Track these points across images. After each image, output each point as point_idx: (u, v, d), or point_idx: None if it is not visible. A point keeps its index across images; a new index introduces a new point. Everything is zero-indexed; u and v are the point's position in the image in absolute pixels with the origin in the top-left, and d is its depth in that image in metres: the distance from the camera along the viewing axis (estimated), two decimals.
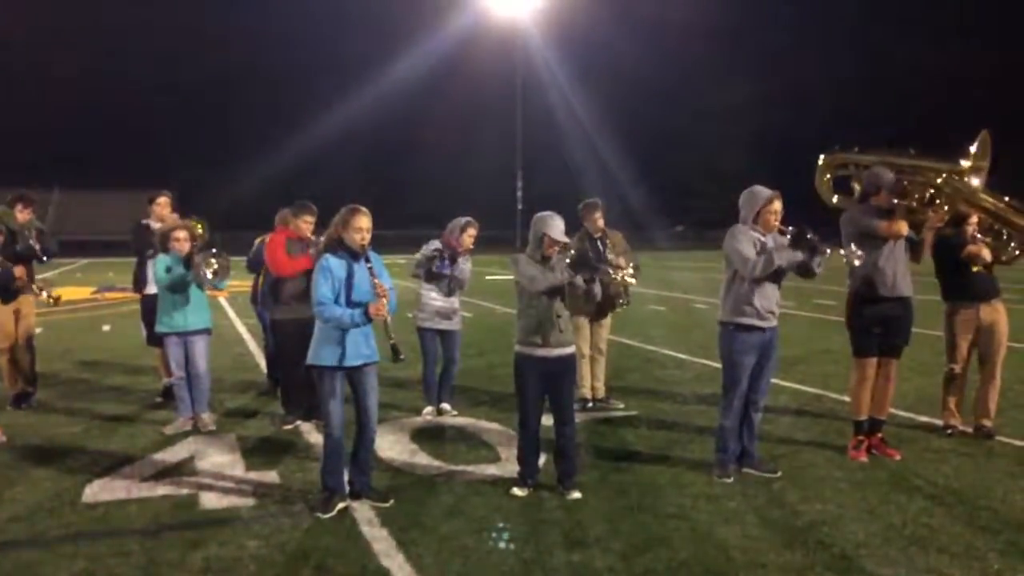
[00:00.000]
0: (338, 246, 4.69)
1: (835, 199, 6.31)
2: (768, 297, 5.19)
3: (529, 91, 54.49)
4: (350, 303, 4.63)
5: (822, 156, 6.37)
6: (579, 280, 4.90)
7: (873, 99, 60.98)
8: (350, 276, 4.65)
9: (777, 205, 5.16)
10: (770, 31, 67.58)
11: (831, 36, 64.12)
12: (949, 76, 59.29)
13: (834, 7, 65.11)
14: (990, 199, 5.92)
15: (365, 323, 4.62)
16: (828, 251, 5.06)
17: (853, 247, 5.22)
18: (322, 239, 4.97)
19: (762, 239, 5.18)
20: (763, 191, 5.20)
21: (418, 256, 6.94)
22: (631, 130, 56.86)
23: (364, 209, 4.73)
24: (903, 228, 5.52)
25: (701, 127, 64.25)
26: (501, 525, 4.47)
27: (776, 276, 5.19)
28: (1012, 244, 6.09)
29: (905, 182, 5.77)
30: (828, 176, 6.32)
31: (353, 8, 63.28)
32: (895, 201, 5.62)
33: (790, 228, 5.10)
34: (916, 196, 5.85)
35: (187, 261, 6.34)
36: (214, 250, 6.39)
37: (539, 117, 57.00)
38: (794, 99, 62.36)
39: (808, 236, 5.02)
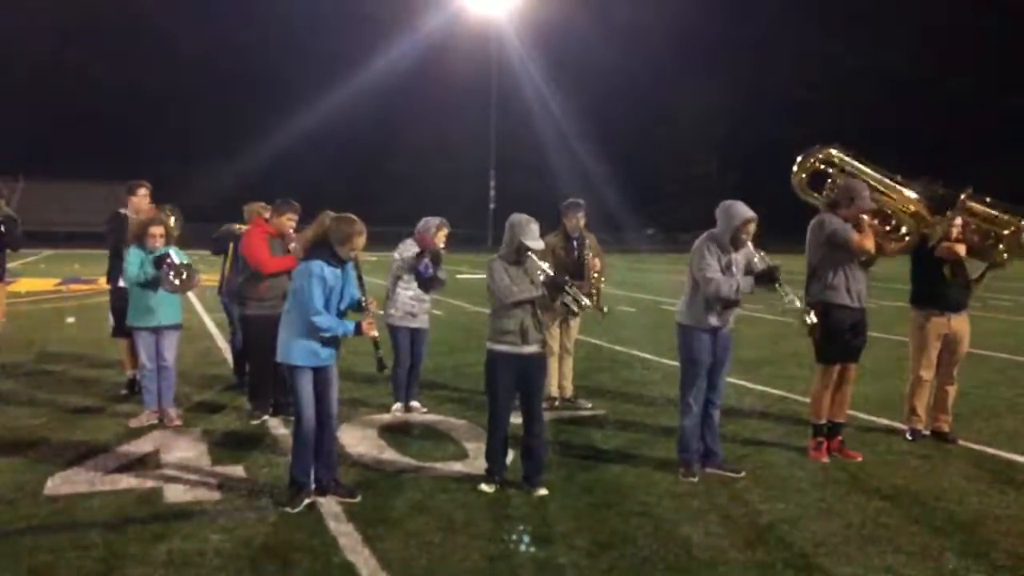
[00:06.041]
0: (327, 253, 4.70)
1: (807, 194, 6.31)
2: (729, 309, 5.34)
3: (504, 91, 54.63)
4: (337, 311, 4.78)
5: (815, 147, 6.29)
6: (548, 297, 5.11)
7: (845, 104, 61.69)
8: (339, 285, 4.76)
9: (751, 227, 5.28)
10: (743, 35, 68.16)
11: (804, 40, 64.75)
12: (922, 82, 60.26)
13: (806, 12, 65.85)
14: (977, 205, 6.06)
15: (355, 336, 4.76)
16: (786, 297, 5.18)
17: (814, 315, 5.37)
18: (300, 239, 5.04)
19: (728, 257, 5.29)
20: (740, 212, 5.26)
21: (397, 258, 6.89)
22: (605, 131, 56.94)
23: (362, 225, 4.77)
24: (871, 245, 5.62)
25: (674, 129, 64.63)
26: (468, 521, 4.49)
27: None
28: (1001, 246, 6.11)
29: (876, 205, 5.87)
30: (809, 168, 6.28)
31: (329, 6, 62.80)
32: (863, 218, 5.70)
33: (761, 252, 5.27)
34: (880, 220, 5.97)
35: (158, 261, 6.29)
36: (186, 262, 6.39)
37: (513, 117, 57.01)
38: (766, 103, 62.98)
39: (777, 277, 5.18)
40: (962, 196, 5.98)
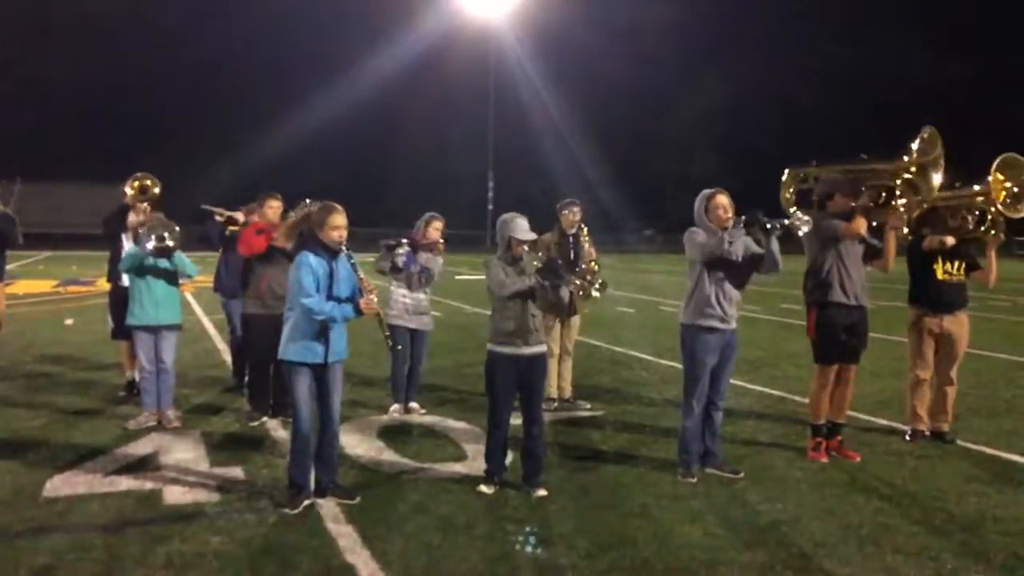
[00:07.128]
0: (315, 244, 4.67)
1: (796, 211, 6.35)
2: (730, 301, 5.32)
3: (502, 92, 54.65)
4: (331, 299, 4.68)
5: (786, 172, 6.41)
6: (545, 284, 5.00)
7: (845, 105, 61.86)
8: (331, 273, 4.69)
9: (720, 199, 5.30)
10: (743, 36, 68.33)
11: (804, 40, 64.93)
12: (921, 81, 60.42)
13: (807, 13, 66.02)
14: (947, 192, 5.95)
15: (356, 317, 4.68)
16: (778, 225, 5.10)
17: (799, 212, 5.30)
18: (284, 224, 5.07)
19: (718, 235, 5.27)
20: (707, 190, 5.41)
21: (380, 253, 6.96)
22: (603, 132, 56.91)
23: (339, 207, 4.72)
24: (862, 226, 5.57)
25: (673, 131, 64.67)
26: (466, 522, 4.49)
27: (738, 278, 5.30)
28: (988, 222, 6.06)
29: (862, 187, 5.84)
30: (791, 191, 6.37)
31: (328, 6, 62.88)
32: (852, 204, 5.69)
33: (742, 217, 5.21)
34: (872, 197, 5.91)
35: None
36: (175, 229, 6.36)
37: (512, 118, 57.03)
38: (766, 103, 63.10)
39: (759, 217, 5.09)
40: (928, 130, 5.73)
